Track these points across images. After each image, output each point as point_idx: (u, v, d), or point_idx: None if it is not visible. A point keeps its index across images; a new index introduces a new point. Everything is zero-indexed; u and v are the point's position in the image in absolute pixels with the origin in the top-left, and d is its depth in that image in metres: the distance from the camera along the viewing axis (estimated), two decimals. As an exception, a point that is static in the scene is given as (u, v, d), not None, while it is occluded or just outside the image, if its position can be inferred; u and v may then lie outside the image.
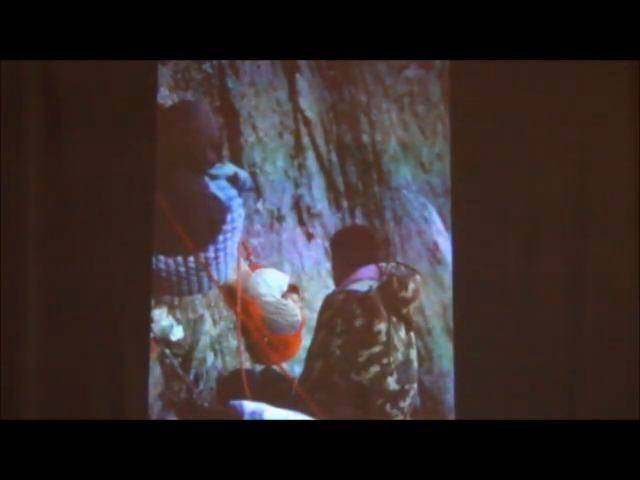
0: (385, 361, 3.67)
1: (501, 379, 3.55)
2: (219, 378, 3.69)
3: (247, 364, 3.70)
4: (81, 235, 3.60)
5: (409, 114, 3.80)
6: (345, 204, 3.76)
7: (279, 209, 3.76)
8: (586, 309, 3.59)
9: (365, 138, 3.78)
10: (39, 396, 3.54)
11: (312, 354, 3.70)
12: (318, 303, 3.73)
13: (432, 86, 3.80)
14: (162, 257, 3.69)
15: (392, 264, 3.74)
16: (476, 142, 3.66)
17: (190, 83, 3.79)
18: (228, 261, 3.73)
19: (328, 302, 3.72)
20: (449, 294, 3.69)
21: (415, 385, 3.68)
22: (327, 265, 3.77)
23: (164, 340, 3.68)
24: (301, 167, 3.78)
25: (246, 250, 3.75)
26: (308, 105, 3.80)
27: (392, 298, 3.71)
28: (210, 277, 3.71)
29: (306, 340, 3.72)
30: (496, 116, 3.65)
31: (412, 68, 3.81)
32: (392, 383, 3.67)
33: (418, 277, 3.72)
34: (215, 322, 3.71)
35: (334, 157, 3.78)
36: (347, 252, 3.76)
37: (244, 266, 3.75)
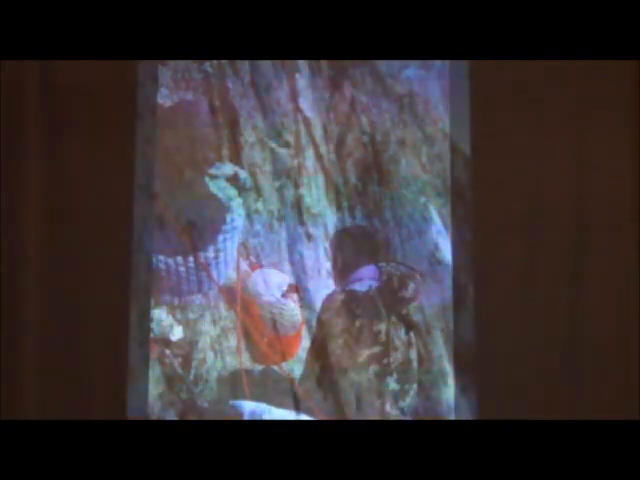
0: (385, 361, 3.68)
1: (501, 379, 3.55)
2: (219, 378, 3.69)
3: (247, 364, 3.70)
4: (81, 235, 3.60)
5: (409, 114, 3.80)
6: (345, 204, 3.76)
7: (279, 209, 3.76)
8: (586, 309, 3.59)
9: (365, 138, 3.78)
10: (39, 396, 3.54)
11: (312, 354, 3.70)
12: (318, 303, 3.73)
13: (432, 86, 3.80)
14: (162, 257, 3.69)
15: (392, 264, 3.74)
16: (476, 142, 3.67)
17: (190, 83, 3.79)
18: (228, 261, 3.73)
19: (328, 302, 3.73)
20: (449, 294, 3.69)
21: (415, 385, 3.69)
22: (327, 265, 3.77)
23: (164, 340, 3.69)
24: (301, 167, 3.78)
25: (246, 250, 3.75)
26: (308, 105, 3.80)
27: (392, 298, 3.71)
28: (210, 277, 3.71)
29: (306, 340, 3.72)
30: (496, 116, 3.65)
31: (412, 68, 3.81)
32: (392, 383, 3.67)
33: (418, 277, 3.73)
34: (215, 322, 3.71)
35: (334, 157, 3.78)
36: (347, 252, 3.76)
37: (244, 266, 3.75)
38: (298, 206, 3.76)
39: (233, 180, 3.75)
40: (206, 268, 3.71)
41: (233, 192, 3.75)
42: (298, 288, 3.75)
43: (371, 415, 3.64)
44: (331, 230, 3.77)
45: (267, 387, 3.68)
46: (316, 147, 3.78)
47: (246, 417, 3.64)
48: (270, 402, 3.65)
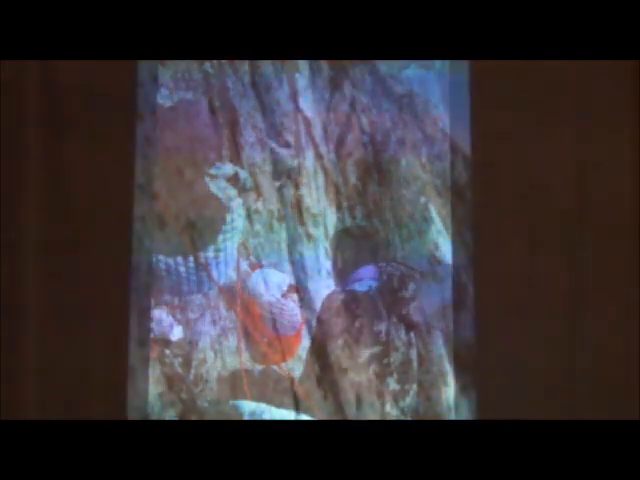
0: (385, 361, 3.68)
1: (501, 379, 3.55)
2: (219, 378, 3.69)
3: (247, 364, 3.70)
4: (81, 235, 3.60)
5: (409, 114, 3.80)
6: (345, 204, 3.76)
7: (279, 209, 3.76)
8: (586, 309, 3.59)
9: (365, 138, 3.78)
10: (39, 396, 3.54)
11: (312, 354, 3.70)
12: (318, 303, 3.73)
13: (432, 86, 3.80)
14: (162, 257, 3.69)
15: (392, 264, 3.74)
16: (476, 142, 3.67)
17: (190, 83, 3.79)
18: (228, 261, 3.73)
19: (328, 302, 3.73)
20: (449, 294, 3.69)
21: (415, 385, 3.69)
22: (327, 265, 3.77)
23: (164, 340, 3.68)
24: (301, 167, 3.78)
25: (246, 250, 3.75)
26: (308, 105, 3.80)
27: (392, 298, 3.71)
28: (210, 277, 3.71)
29: (306, 340, 3.72)
30: (496, 116, 3.65)
31: (412, 68, 3.81)
32: (392, 383, 3.67)
33: (418, 277, 3.73)
34: (215, 322, 3.71)
35: (334, 157, 3.78)
36: (347, 252, 3.77)
37: (244, 266, 3.75)
38: (298, 206, 3.76)
39: (233, 180, 3.75)
40: (206, 268, 3.71)
41: (233, 192, 3.75)
42: (298, 288, 3.75)
43: (371, 415, 3.64)
44: (331, 230, 3.77)
45: (267, 387, 3.68)
46: (316, 147, 3.78)
47: (246, 417, 3.64)
48: (270, 402, 3.65)
